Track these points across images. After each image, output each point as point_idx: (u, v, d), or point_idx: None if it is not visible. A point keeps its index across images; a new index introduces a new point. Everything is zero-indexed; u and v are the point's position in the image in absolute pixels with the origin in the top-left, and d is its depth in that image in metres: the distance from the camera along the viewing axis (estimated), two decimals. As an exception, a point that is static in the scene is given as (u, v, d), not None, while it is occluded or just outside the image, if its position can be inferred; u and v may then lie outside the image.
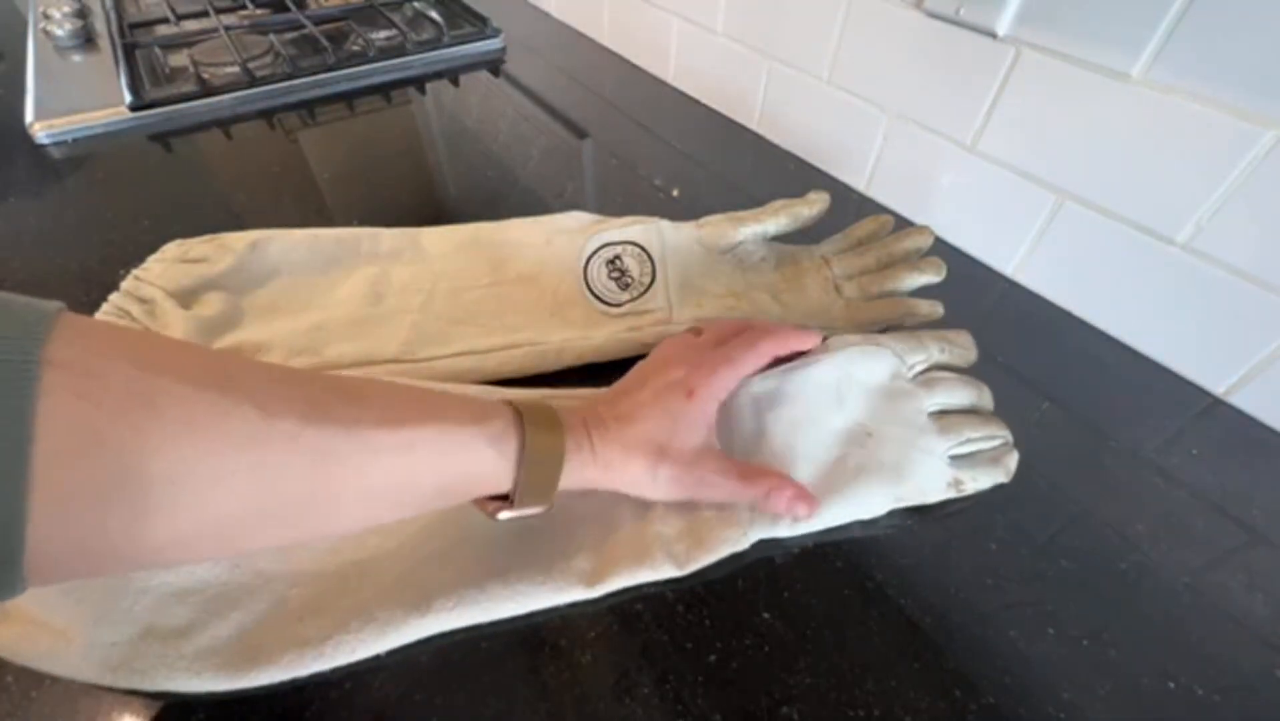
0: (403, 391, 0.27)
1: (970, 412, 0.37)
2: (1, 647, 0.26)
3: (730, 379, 0.32)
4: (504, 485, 0.27)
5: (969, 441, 0.35)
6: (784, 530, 0.32)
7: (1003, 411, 0.37)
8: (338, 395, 0.24)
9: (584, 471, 0.29)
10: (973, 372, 0.39)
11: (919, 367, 0.38)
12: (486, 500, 0.28)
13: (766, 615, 0.30)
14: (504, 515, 0.28)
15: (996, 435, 0.36)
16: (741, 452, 0.34)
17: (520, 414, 0.28)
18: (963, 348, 0.39)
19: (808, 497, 0.31)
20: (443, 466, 0.26)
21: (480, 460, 0.26)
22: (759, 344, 0.34)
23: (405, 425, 0.25)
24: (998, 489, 0.35)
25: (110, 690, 0.26)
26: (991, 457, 0.35)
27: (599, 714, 0.27)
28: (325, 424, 0.22)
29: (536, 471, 0.27)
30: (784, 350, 0.35)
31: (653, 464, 0.30)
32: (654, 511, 0.33)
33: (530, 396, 0.30)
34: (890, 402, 0.36)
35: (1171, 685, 0.29)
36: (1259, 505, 0.35)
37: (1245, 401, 0.40)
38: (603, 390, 0.35)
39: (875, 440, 0.34)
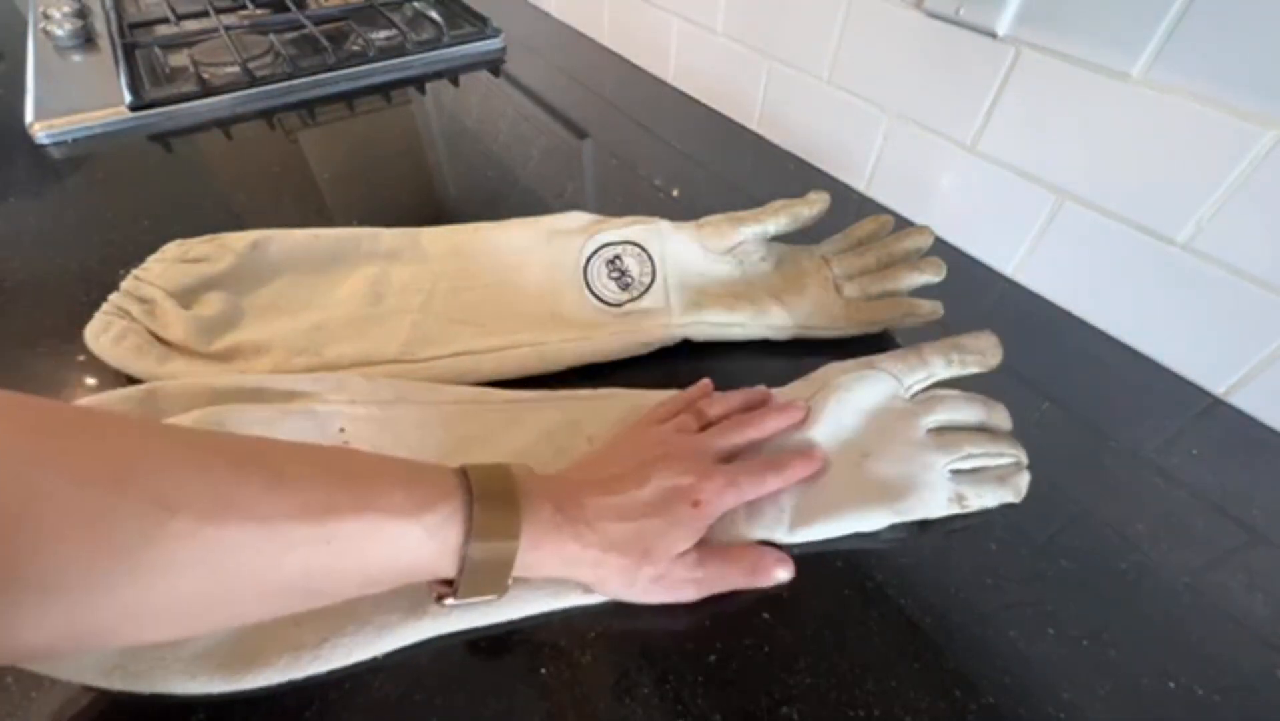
0: (337, 469, 0.25)
1: (977, 430, 0.36)
2: (1, 648, 0.26)
3: (732, 503, 0.31)
4: (448, 573, 0.26)
5: (970, 457, 0.34)
6: (783, 536, 0.32)
7: (1003, 411, 0.37)
8: (256, 479, 0.22)
9: (542, 567, 0.28)
10: (983, 381, 0.37)
11: (917, 387, 0.37)
12: (433, 584, 0.27)
13: (766, 615, 0.30)
14: (450, 602, 0.27)
15: (1006, 453, 0.35)
16: None
17: (472, 498, 0.26)
18: (978, 353, 0.37)
19: (787, 561, 0.31)
20: (370, 560, 0.24)
21: (416, 553, 0.25)
22: (766, 479, 0.32)
23: (329, 516, 0.23)
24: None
25: (109, 691, 0.26)
26: (999, 476, 0.34)
27: (599, 714, 0.27)
28: (229, 520, 0.21)
29: (482, 566, 0.26)
30: (788, 485, 0.33)
31: (633, 566, 0.29)
32: None
33: (495, 469, 0.27)
34: (886, 423, 0.35)
35: (1171, 685, 0.29)
36: (1259, 505, 0.35)
37: (1245, 401, 0.40)
38: (591, 453, 0.34)
39: (871, 459, 0.34)
